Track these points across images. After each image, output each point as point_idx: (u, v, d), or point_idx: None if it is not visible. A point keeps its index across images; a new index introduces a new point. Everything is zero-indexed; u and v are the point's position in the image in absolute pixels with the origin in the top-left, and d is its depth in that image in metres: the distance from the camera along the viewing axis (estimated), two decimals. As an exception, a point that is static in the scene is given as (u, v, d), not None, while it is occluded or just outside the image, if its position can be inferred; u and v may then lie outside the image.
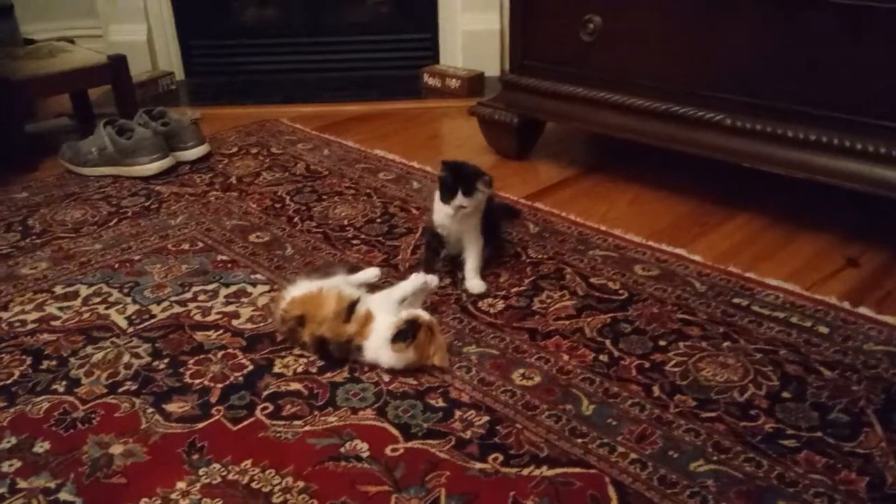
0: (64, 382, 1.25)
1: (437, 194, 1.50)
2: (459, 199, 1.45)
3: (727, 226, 1.74)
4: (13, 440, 1.13)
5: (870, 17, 1.44)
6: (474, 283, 1.49)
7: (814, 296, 1.42)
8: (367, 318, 1.27)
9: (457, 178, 1.46)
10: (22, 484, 1.05)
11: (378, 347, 1.24)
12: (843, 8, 1.46)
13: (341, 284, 1.34)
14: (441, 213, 1.50)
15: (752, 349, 1.27)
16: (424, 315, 1.26)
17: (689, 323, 1.35)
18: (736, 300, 1.41)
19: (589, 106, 1.91)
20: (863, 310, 1.37)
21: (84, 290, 1.52)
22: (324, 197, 1.93)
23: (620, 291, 1.46)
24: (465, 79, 2.71)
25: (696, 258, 1.57)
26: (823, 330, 1.32)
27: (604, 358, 1.27)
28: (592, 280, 1.50)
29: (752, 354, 1.26)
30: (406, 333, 1.22)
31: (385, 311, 1.28)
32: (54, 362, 1.30)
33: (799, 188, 1.66)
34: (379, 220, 1.79)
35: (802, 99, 1.57)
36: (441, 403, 1.18)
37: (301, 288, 1.33)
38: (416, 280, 1.34)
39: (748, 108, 1.64)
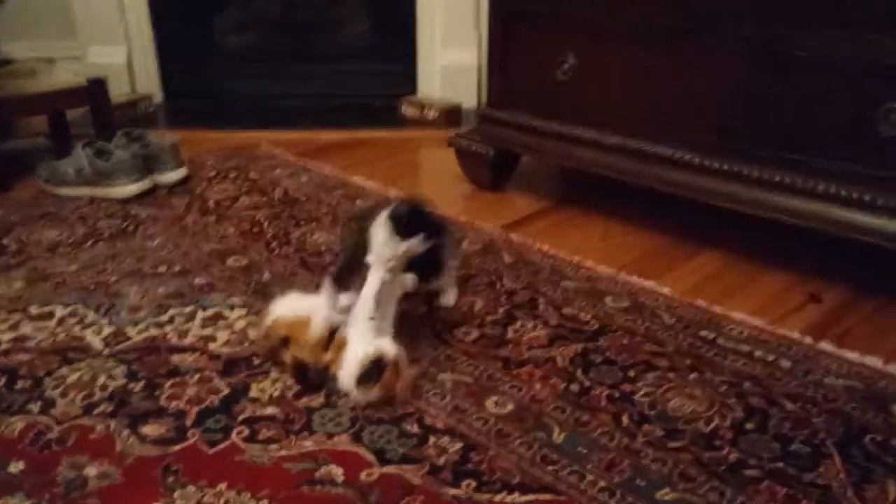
0: (39, 403, 1.25)
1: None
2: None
3: (695, 260, 1.79)
4: (-15, 461, 1.13)
5: (833, 69, 1.51)
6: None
7: (777, 330, 1.47)
8: (341, 345, 1.28)
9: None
10: (-7, 505, 1.05)
11: (347, 380, 1.24)
12: (806, 59, 1.53)
13: (329, 307, 1.33)
14: None
15: (718, 381, 1.32)
16: (390, 352, 1.24)
17: (658, 354, 1.39)
18: (703, 333, 1.46)
19: (562, 141, 1.97)
20: (824, 345, 1.42)
21: (60, 311, 1.52)
22: (302, 223, 1.95)
23: (592, 322, 1.50)
24: (442, 110, 2.77)
25: (665, 291, 1.61)
26: (785, 364, 1.37)
27: (575, 387, 1.30)
28: (565, 310, 1.54)
29: (718, 386, 1.30)
30: (370, 374, 1.21)
31: (358, 335, 1.27)
32: (29, 382, 1.30)
33: (765, 225, 1.72)
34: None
35: (767, 141, 1.63)
36: (416, 429, 1.20)
37: (289, 304, 1.34)
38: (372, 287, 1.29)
39: (715, 149, 1.70)
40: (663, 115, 1.78)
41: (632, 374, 1.34)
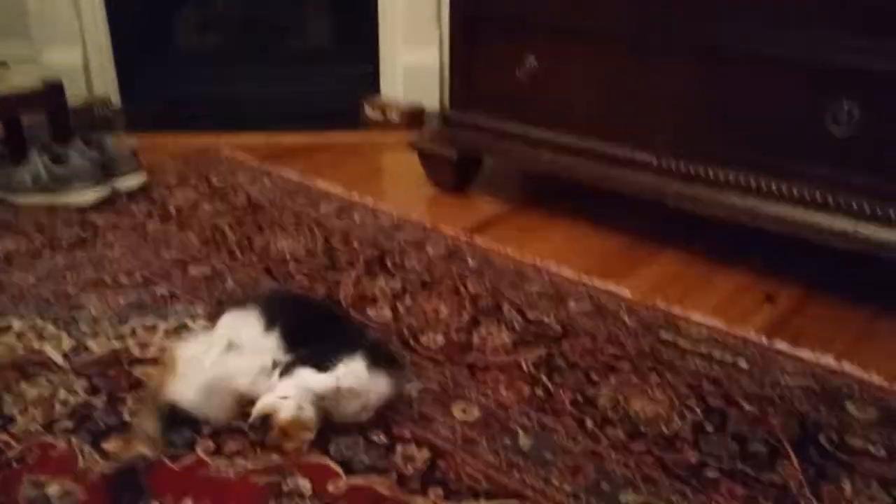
0: (-3, 421, 1.23)
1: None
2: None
3: (656, 261, 1.82)
4: (-58, 481, 1.10)
5: (784, 71, 1.55)
6: None
7: (734, 331, 1.51)
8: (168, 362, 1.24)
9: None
10: (-48, 527, 1.03)
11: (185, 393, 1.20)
12: (760, 60, 1.57)
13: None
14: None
15: (678, 382, 1.34)
16: (284, 411, 1.15)
17: (620, 357, 1.42)
18: (663, 335, 1.49)
19: (525, 144, 1.98)
20: (778, 344, 1.46)
21: (17, 324, 1.49)
22: (265, 229, 1.94)
23: (555, 326, 1.52)
24: (405, 112, 2.77)
25: (626, 293, 1.64)
26: (743, 364, 1.40)
27: (539, 392, 1.32)
28: (529, 315, 1.55)
29: (678, 388, 1.33)
30: (256, 428, 1.17)
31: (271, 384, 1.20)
32: (-14, 400, 1.28)
33: (723, 227, 1.76)
34: (320, 253, 1.81)
35: (725, 143, 1.67)
36: (383, 439, 1.20)
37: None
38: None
39: (673, 150, 1.74)
40: (623, 117, 1.81)
41: (594, 377, 1.36)
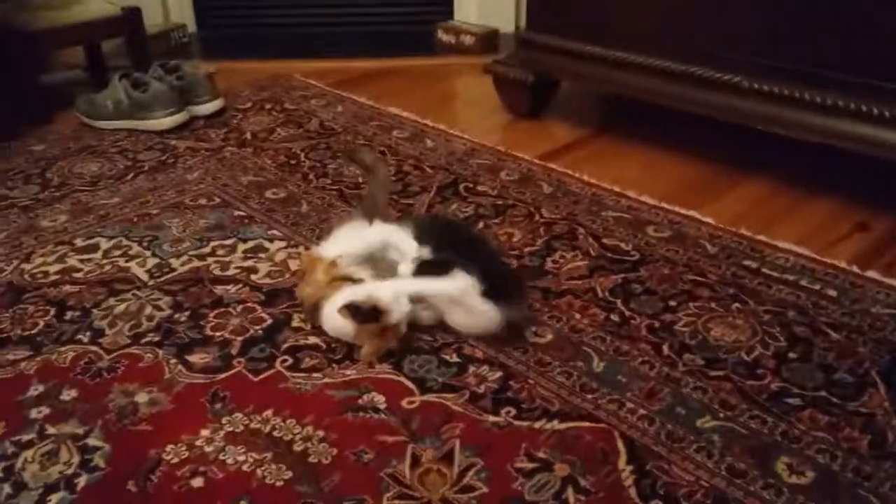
0: (88, 333, 1.28)
1: None
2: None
3: (739, 189, 1.75)
4: (40, 388, 1.17)
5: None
6: None
7: (823, 259, 1.44)
8: (337, 286, 1.25)
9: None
10: (51, 430, 1.09)
11: (329, 314, 1.23)
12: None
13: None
14: None
15: (761, 311, 1.30)
16: (394, 315, 1.18)
17: (700, 284, 1.38)
18: (746, 262, 1.43)
19: (605, 66, 1.90)
20: (871, 273, 1.39)
21: (104, 243, 1.55)
22: (338, 154, 1.94)
23: (632, 252, 1.48)
24: (479, 35, 2.70)
25: (708, 220, 1.58)
26: (831, 293, 1.34)
27: (615, 317, 1.30)
28: (605, 241, 1.52)
29: (761, 316, 1.29)
30: (359, 312, 1.18)
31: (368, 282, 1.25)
32: (78, 313, 1.33)
33: (812, 152, 1.67)
34: (393, 178, 1.80)
35: (819, 62, 1.56)
36: (455, 359, 1.21)
37: (344, 239, 1.34)
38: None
39: (765, 70, 1.64)
40: (708, 35, 1.71)
41: (673, 303, 1.32)
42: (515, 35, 2.37)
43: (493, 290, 1.20)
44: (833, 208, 1.64)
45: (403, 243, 1.30)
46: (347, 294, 1.21)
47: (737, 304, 1.32)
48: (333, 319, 1.22)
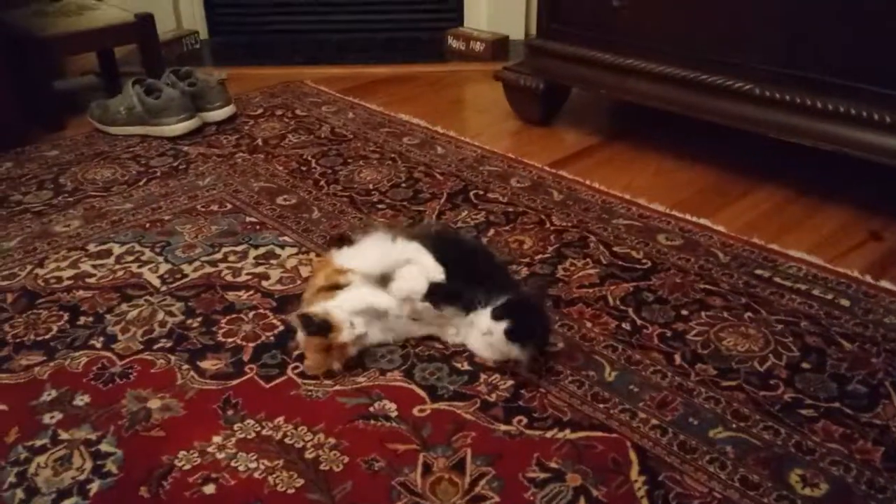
0: (101, 338, 1.29)
1: None
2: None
3: (751, 197, 1.74)
4: (54, 393, 1.17)
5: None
6: None
7: (836, 268, 1.43)
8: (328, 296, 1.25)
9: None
10: (63, 435, 1.09)
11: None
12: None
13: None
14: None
15: (774, 320, 1.29)
16: (344, 335, 1.17)
17: (712, 293, 1.37)
18: (758, 271, 1.43)
19: (615, 73, 1.90)
20: (884, 283, 1.38)
21: (117, 249, 1.55)
22: (349, 161, 1.94)
23: (644, 261, 1.48)
24: (489, 42, 2.70)
25: (720, 229, 1.58)
26: (844, 302, 1.33)
27: (626, 326, 1.29)
28: (616, 249, 1.52)
29: (774, 325, 1.28)
30: (310, 323, 1.18)
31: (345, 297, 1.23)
32: (91, 318, 1.34)
33: (824, 160, 1.66)
34: (404, 185, 1.81)
35: (831, 69, 1.55)
36: (466, 367, 1.21)
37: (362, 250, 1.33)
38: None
39: (776, 78, 1.63)
40: (720, 43, 1.71)
41: (685, 312, 1.32)
42: (526, 42, 2.37)
43: (517, 329, 1.16)
44: (846, 217, 1.64)
45: (425, 263, 1.26)
46: (315, 306, 1.21)
47: (749, 314, 1.31)
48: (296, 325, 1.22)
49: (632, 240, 1.55)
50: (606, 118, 2.28)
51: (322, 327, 1.17)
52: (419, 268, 1.25)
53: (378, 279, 1.27)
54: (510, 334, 1.15)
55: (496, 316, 1.17)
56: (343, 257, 1.31)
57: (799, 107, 1.61)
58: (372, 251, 1.31)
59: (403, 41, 2.93)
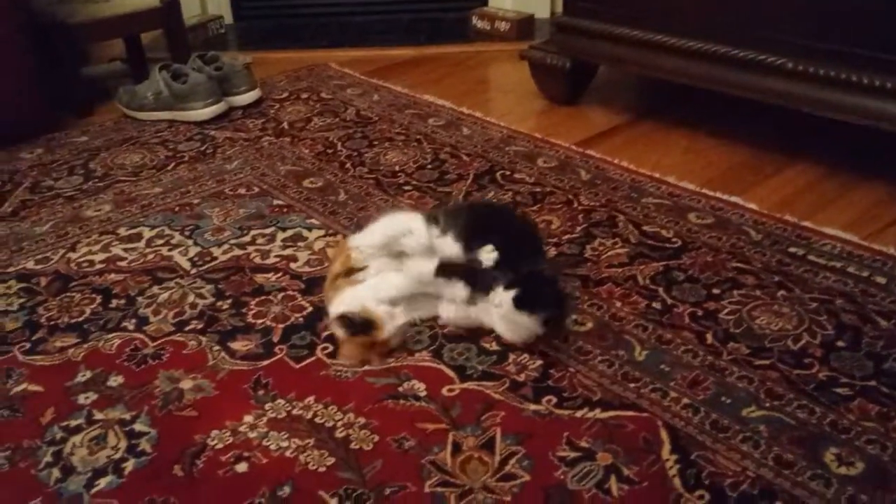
0: (133, 320, 1.31)
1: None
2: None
3: (784, 174, 1.71)
4: (88, 374, 1.19)
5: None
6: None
7: (871, 245, 1.40)
8: (341, 285, 1.24)
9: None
10: (98, 415, 1.11)
11: (331, 313, 1.22)
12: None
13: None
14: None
15: (808, 298, 1.27)
16: (387, 330, 1.17)
17: (744, 272, 1.35)
18: (792, 249, 1.40)
19: (644, 49, 1.87)
20: (923, 260, 1.35)
21: (147, 233, 1.57)
22: (375, 143, 1.94)
23: (674, 239, 1.46)
24: (514, 21, 2.67)
25: (752, 206, 1.55)
26: (880, 280, 1.31)
27: (657, 305, 1.28)
28: (645, 228, 1.50)
29: (808, 304, 1.26)
30: (352, 324, 1.18)
31: (371, 288, 1.23)
32: (123, 301, 1.36)
33: (858, 136, 1.62)
34: (430, 167, 1.80)
35: (867, 42, 1.51)
36: (495, 347, 1.20)
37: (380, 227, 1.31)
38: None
39: (810, 52, 1.59)
40: (753, 16, 1.67)
41: (716, 291, 1.30)
42: (552, 20, 2.35)
43: (526, 298, 1.15)
44: (881, 193, 1.60)
45: (420, 232, 1.26)
46: (346, 300, 1.21)
47: (782, 292, 1.29)
48: (334, 325, 1.22)
49: (661, 219, 1.53)
50: (634, 96, 2.24)
51: (365, 326, 1.17)
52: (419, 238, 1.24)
53: (385, 251, 1.26)
54: (518, 302, 1.15)
55: (506, 286, 1.16)
56: (359, 238, 1.31)
57: (833, 80, 1.57)
58: (376, 226, 1.30)
59: (427, 22, 2.91)
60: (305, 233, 1.54)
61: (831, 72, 1.57)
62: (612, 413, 1.07)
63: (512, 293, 1.15)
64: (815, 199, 1.60)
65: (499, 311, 1.18)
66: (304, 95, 2.28)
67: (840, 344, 1.17)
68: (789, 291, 1.29)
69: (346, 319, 1.18)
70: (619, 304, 1.29)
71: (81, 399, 1.14)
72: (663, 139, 1.91)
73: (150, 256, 1.49)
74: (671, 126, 1.97)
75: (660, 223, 1.51)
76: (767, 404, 1.06)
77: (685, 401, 1.08)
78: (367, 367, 1.17)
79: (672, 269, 1.37)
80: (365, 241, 1.28)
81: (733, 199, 1.58)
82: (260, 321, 1.29)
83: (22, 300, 1.37)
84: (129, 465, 1.02)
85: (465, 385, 1.13)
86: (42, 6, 2.23)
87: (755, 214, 1.52)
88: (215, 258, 1.47)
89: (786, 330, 1.20)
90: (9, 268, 1.47)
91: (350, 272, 1.26)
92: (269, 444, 1.04)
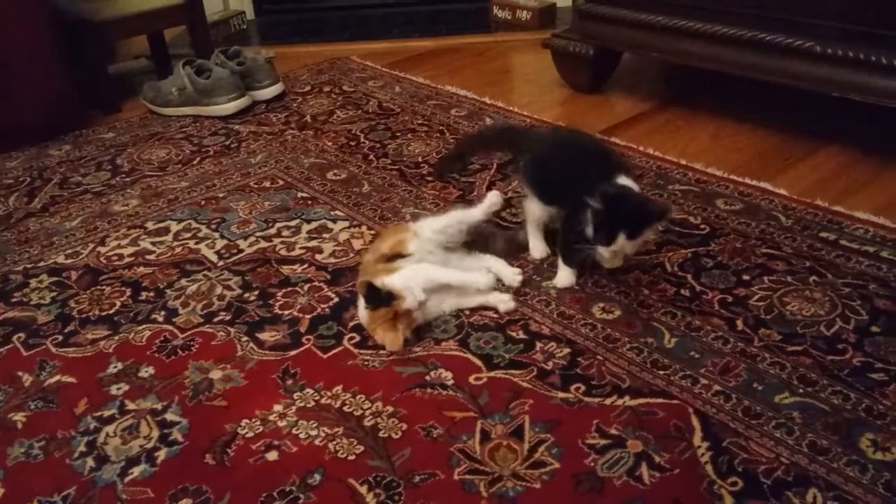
0: (162, 312, 1.32)
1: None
2: (621, 242, 1.17)
3: (813, 159, 1.68)
4: (119, 365, 1.20)
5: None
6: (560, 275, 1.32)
7: (905, 230, 1.38)
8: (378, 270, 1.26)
9: (619, 215, 1.16)
10: (130, 405, 1.12)
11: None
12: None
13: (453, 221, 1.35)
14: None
15: (840, 283, 1.25)
16: (408, 301, 1.17)
17: (774, 257, 1.33)
18: (823, 234, 1.38)
19: (669, 35, 1.85)
20: (959, 244, 1.33)
21: (174, 226, 1.58)
22: (397, 134, 1.94)
23: (702, 226, 1.44)
24: (536, 10, 2.66)
25: (782, 192, 1.53)
26: (916, 264, 1.28)
27: (685, 292, 1.26)
28: (673, 215, 1.48)
29: (840, 289, 1.24)
30: (372, 298, 1.18)
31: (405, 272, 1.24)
32: (152, 294, 1.37)
33: (889, 118, 1.59)
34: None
35: (893, 22, 1.49)
36: (522, 336, 1.20)
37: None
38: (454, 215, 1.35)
39: (839, 35, 1.56)
40: (780, 0, 1.64)
41: (746, 278, 1.29)
42: (574, 7, 2.32)
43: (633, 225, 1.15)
44: (915, 177, 1.57)
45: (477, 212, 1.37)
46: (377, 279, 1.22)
47: (814, 278, 1.27)
48: (360, 307, 1.23)
49: (689, 205, 1.51)
50: (659, 83, 2.22)
51: (385, 297, 1.17)
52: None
53: (444, 236, 1.33)
54: (630, 234, 1.15)
55: (609, 232, 1.16)
56: (419, 223, 1.34)
57: (863, 63, 1.54)
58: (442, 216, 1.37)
59: (448, 13, 2.90)
60: (330, 224, 1.55)
61: (861, 54, 1.54)
62: (641, 400, 1.06)
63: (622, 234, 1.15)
64: (845, 183, 1.57)
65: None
66: (327, 88, 2.28)
67: (874, 329, 1.15)
68: (821, 277, 1.27)
69: (369, 286, 1.18)
70: (646, 291, 1.28)
71: (114, 390, 1.15)
72: (689, 126, 1.89)
73: (178, 249, 1.50)
74: (697, 112, 1.94)
75: (687, 210, 1.50)
76: (801, 390, 1.05)
77: (716, 388, 1.07)
78: (393, 351, 1.17)
79: (700, 255, 1.35)
80: (428, 224, 1.33)
81: (762, 184, 1.56)
82: (287, 312, 1.29)
83: (53, 293, 1.39)
84: (162, 454, 1.03)
85: (493, 373, 1.13)
86: (67, 4, 2.25)
87: (785, 200, 1.50)
88: (242, 250, 1.48)
89: (818, 315, 1.18)
90: (40, 262, 1.49)
91: (394, 257, 1.27)
92: (298, 432, 1.04)
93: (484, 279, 1.27)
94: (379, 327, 1.18)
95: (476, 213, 1.38)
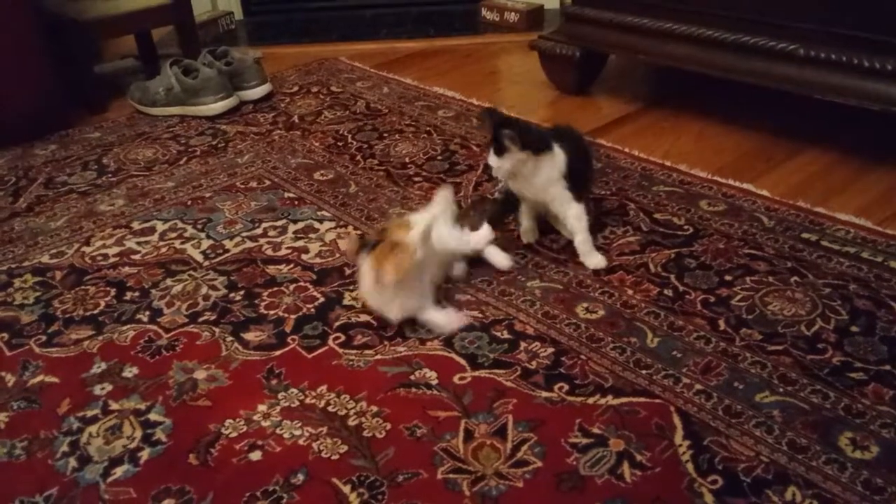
0: (147, 312, 1.32)
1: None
2: (491, 159, 1.32)
3: (796, 160, 1.70)
4: (103, 365, 1.20)
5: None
6: (590, 258, 1.36)
7: (885, 230, 1.39)
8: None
9: (493, 132, 1.31)
10: (114, 406, 1.12)
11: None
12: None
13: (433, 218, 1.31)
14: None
15: (821, 284, 1.26)
16: (400, 237, 1.19)
17: (756, 258, 1.34)
18: (805, 235, 1.40)
19: (654, 37, 1.86)
20: (938, 245, 1.34)
21: (160, 226, 1.58)
22: (385, 135, 1.94)
23: (685, 227, 1.45)
24: (524, 12, 2.67)
25: (764, 193, 1.54)
26: (894, 264, 1.30)
27: (668, 292, 1.28)
28: (657, 216, 1.49)
29: (821, 289, 1.25)
30: (368, 244, 1.21)
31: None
32: (137, 293, 1.37)
33: (871, 121, 1.61)
34: (440, 158, 1.80)
35: (880, 26, 1.50)
36: (506, 335, 1.20)
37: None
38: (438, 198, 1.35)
39: (821, 37, 1.58)
40: (765, 3, 1.65)
41: (728, 278, 1.30)
42: (561, 9, 2.33)
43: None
44: (894, 178, 1.59)
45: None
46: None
47: (795, 278, 1.28)
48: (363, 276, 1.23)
49: (673, 206, 1.52)
50: (644, 85, 2.23)
51: (377, 241, 1.19)
52: None
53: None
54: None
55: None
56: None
57: (845, 66, 1.56)
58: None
59: (437, 14, 2.90)
60: (317, 225, 1.55)
61: (843, 57, 1.55)
62: (624, 399, 1.06)
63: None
64: (827, 184, 1.59)
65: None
66: (315, 89, 2.28)
67: (854, 329, 1.16)
68: (802, 277, 1.28)
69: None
70: (630, 291, 1.29)
71: (97, 390, 1.15)
72: (674, 127, 1.90)
73: (164, 249, 1.50)
74: (682, 114, 1.96)
75: (671, 211, 1.51)
76: (781, 389, 1.06)
77: (698, 387, 1.08)
78: (369, 348, 1.17)
79: (684, 256, 1.37)
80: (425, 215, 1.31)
81: (745, 185, 1.57)
82: (272, 312, 1.29)
83: (38, 293, 1.38)
84: (145, 454, 1.03)
85: (477, 373, 1.13)
86: (54, 4, 2.24)
87: (767, 201, 1.52)
88: (227, 250, 1.48)
89: (799, 315, 1.20)
90: (24, 262, 1.48)
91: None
92: (282, 432, 1.05)
93: (483, 233, 1.34)
94: (385, 259, 1.16)
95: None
